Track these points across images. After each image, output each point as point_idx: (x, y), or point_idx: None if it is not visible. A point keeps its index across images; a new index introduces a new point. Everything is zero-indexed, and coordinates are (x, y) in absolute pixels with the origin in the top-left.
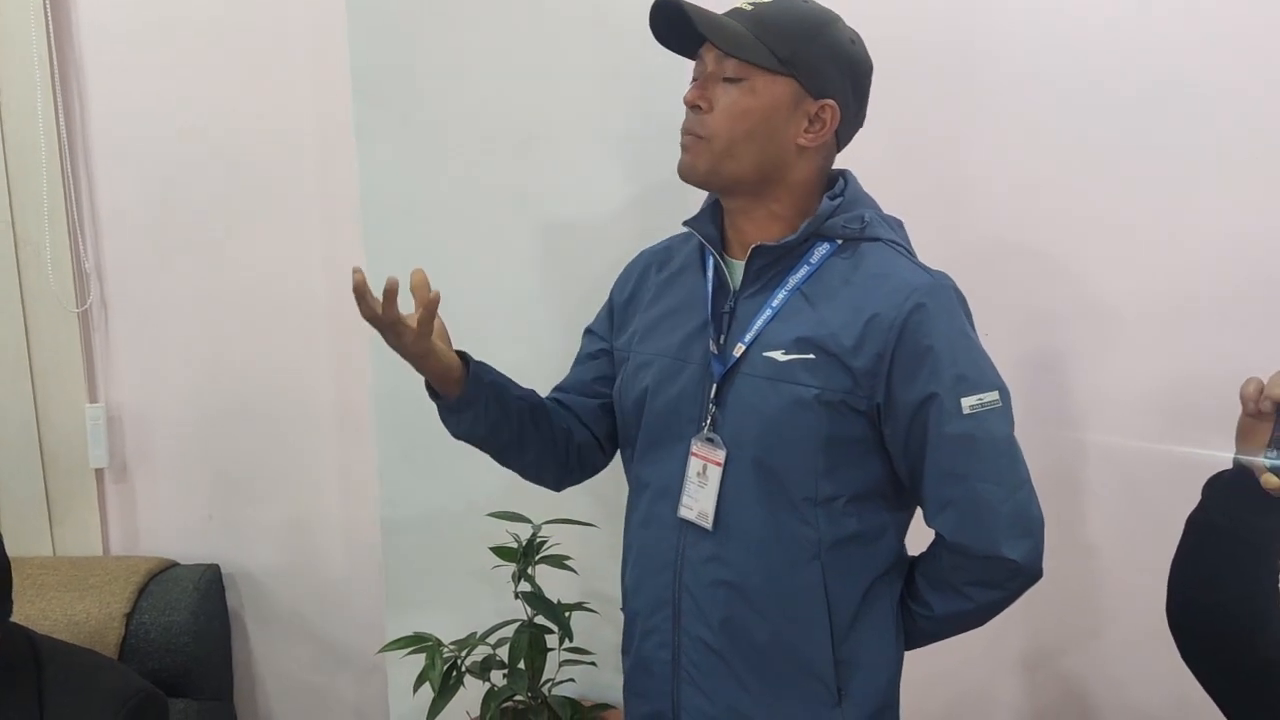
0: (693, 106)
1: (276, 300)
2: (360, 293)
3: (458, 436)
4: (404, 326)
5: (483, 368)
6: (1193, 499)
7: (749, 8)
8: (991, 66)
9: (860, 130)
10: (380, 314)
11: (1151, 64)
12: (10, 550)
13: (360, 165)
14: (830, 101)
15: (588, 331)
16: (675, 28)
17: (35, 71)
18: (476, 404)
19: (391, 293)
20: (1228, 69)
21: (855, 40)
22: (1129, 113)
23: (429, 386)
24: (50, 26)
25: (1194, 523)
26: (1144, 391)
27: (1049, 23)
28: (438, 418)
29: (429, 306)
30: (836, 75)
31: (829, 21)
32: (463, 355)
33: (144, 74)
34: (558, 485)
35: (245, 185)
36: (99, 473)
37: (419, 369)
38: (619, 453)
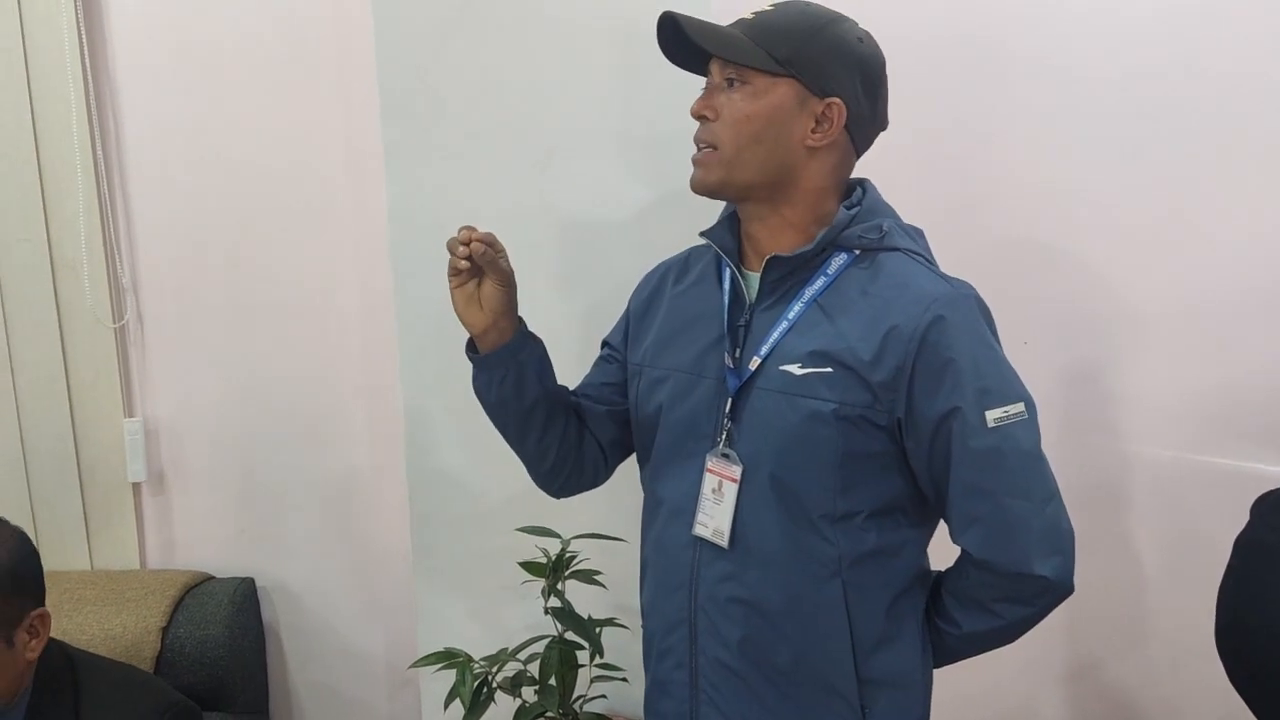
0: (699, 117)
1: (309, 315)
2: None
3: (474, 388)
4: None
5: (522, 347)
6: (1239, 510)
7: (751, 16)
8: (1022, 67)
9: (887, 135)
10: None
11: (1188, 61)
12: (47, 564)
13: (388, 182)
14: (836, 100)
15: (604, 343)
16: (681, 44)
17: (70, 91)
18: (495, 369)
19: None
20: (1265, 63)
21: (864, 39)
22: (1166, 111)
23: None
24: (84, 47)
25: (1242, 543)
26: (1190, 400)
27: (1082, 20)
28: (467, 432)
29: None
30: (841, 72)
31: (832, 20)
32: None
33: (177, 93)
34: (559, 489)
35: (277, 202)
36: (136, 487)
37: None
38: (637, 467)
